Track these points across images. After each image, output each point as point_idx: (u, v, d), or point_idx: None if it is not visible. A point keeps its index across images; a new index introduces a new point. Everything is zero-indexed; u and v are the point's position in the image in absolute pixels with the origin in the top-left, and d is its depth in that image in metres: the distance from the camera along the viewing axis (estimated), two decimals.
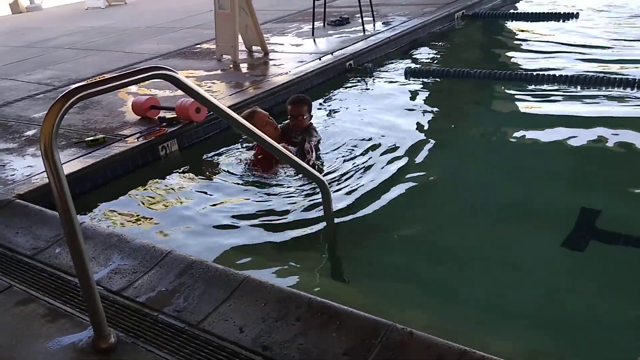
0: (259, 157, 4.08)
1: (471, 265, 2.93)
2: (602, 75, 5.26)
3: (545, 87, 5.38)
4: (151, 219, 3.66)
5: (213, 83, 6.02)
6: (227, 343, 2.18)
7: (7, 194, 3.66)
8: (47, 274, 2.79)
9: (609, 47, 6.39)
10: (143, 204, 3.85)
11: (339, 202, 3.53)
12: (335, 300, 2.30)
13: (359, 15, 7.75)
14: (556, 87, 5.32)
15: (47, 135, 1.91)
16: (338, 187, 3.73)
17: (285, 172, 3.99)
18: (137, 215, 3.72)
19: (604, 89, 5.10)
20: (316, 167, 3.85)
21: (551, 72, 5.53)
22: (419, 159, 4.11)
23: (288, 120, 4.33)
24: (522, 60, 6.56)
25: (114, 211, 3.79)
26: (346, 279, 3.06)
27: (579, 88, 5.22)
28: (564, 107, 4.88)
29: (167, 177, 4.19)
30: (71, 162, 4.08)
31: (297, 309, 2.27)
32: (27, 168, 4.14)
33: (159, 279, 2.60)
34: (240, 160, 4.29)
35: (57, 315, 2.47)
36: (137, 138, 4.47)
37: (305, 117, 4.23)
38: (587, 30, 7.30)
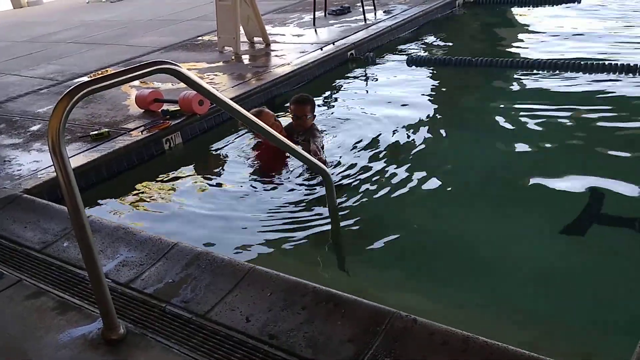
0: (265, 158, 4.07)
1: (474, 252, 2.96)
2: (605, 61, 5.25)
3: (546, 73, 5.38)
4: (157, 211, 3.70)
5: (215, 75, 6.03)
6: (234, 332, 2.22)
7: (15, 189, 3.70)
8: (55, 267, 2.83)
9: (612, 33, 6.37)
10: (148, 196, 3.89)
11: (342, 192, 3.56)
12: (340, 289, 2.33)
13: (359, 4, 7.73)
14: (558, 74, 5.32)
15: (55, 131, 1.94)
16: (341, 178, 3.75)
17: (289, 164, 4.01)
18: (143, 208, 3.76)
19: (606, 75, 5.10)
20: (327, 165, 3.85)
21: (553, 59, 5.53)
22: (421, 148, 4.14)
23: (291, 121, 4.29)
24: (524, 46, 6.56)
25: (120, 204, 3.83)
26: (350, 268, 3.10)
27: (581, 74, 5.22)
28: (566, 93, 4.88)
29: (172, 169, 4.22)
30: (76, 157, 4.12)
31: (302, 298, 2.30)
32: (33, 163, 4.18)
33: (166, 271, 2.64)
34: (244, 151, 4.32)
35: (66, 307, 2.51)
36: (141, 131, 4.50)
37: (308, 117, 4.14)
38: (589, 15, 7.28)
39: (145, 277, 2.63)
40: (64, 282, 2.69)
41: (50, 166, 3.95)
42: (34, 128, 5.06)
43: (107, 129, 4.59)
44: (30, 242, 3.09)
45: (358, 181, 3.71)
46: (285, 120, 4.38)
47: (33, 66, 7.62)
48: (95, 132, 4.52)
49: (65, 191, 2.03)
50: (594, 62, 5.24)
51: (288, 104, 4.34)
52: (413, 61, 6.18)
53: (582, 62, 5.30)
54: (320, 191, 3.53)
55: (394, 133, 4.35)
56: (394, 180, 3.68)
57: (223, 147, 4.53)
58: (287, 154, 4.02)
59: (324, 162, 3.71)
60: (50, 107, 5.52)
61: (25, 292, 2.66)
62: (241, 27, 6.93)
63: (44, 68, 7.42)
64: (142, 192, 3.95)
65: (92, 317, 2.41)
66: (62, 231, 3.11)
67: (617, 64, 5.14)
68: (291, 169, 3.97)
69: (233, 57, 6.71)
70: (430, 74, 5.94)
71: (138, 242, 2.90)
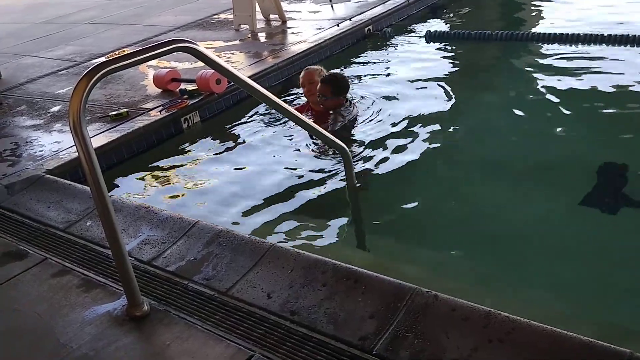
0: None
1: (494, 226, 2.94)
2: (626, 33, 5.13)
3: (567, 46, 5.27)
4: (177, 190, 3.73)
5: (232, 53, 6.01)
6: (256, 309, 2.24)
7: (37, 170, 3.75)
8: (79, 246, 2.88)
9: (635, 5, 6.21)
10: (168, 176, 3.92)
11: (361, 168, 3.55)
12: (360, 265, 2.34)
13: None
14: (579, 47, 5.22)
15: (75, 111, 1.95)
16: (360, 154, 3.74)
17: (308, 142, 4.00)
18: (163, 187, 3.79)
19: (628, 47, 4.99)
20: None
21: (574, 32, 5.41)
22: (440, 122, 4.09)
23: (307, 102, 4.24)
24: (545, 20, 6.42)
25: (140, 184, 3.86)
26: (370, 244, 3.10)
27: (603, 46, 5.11)
28: (586, 66, 4.79)
29: (191, 148, 4.24)
30: (97, 137, 4.15)
31: (322, 274, 2.31)
32: (55, 144, 4.22)
33: (188, 249, 2.67)
34: (262, 130, 4.32)
35: (91, 285, 2.55)
36: (160, 111, 4.51)
37: (326, 98, 4.03)
38: None
39: (167, 255, 2.66)
40: (88, 261, 2.74)
41: (71, 146, 3.99)
42: (55, 109, 5.10)
43: (126, 109, 4.61)
44: (54, 221, 3.13)
45: (376, 157, 3.69)
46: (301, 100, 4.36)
47: (51, 47, 7.65)
48: (115, 113, 4.55)
49: (88, 171, 2.05)
50: (618, 35, 5.12)
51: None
52: (432, 36, 6.09)
53: (605, 35, 5.18)
54: (339, 168, 3.52)
55: (412, 109, 4.31)
56: (413, 156, 3.66)
57: (241, 125, 4.53)
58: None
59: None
60: (69, 87, 5.56)
61: (51, 270, 2.71)
62: (257, 5, 6.88)
63: (62, 49, 7.46)
64: (162, 172, 3.98)
65: (117, 295, 2.45)
66: (84, 210, 3.16)
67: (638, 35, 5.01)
68: (309, 146, 3.96)
69: (249, 35, 6.67)
70: (450, 49, 5.85)
71: (159, 220, 2.93)
